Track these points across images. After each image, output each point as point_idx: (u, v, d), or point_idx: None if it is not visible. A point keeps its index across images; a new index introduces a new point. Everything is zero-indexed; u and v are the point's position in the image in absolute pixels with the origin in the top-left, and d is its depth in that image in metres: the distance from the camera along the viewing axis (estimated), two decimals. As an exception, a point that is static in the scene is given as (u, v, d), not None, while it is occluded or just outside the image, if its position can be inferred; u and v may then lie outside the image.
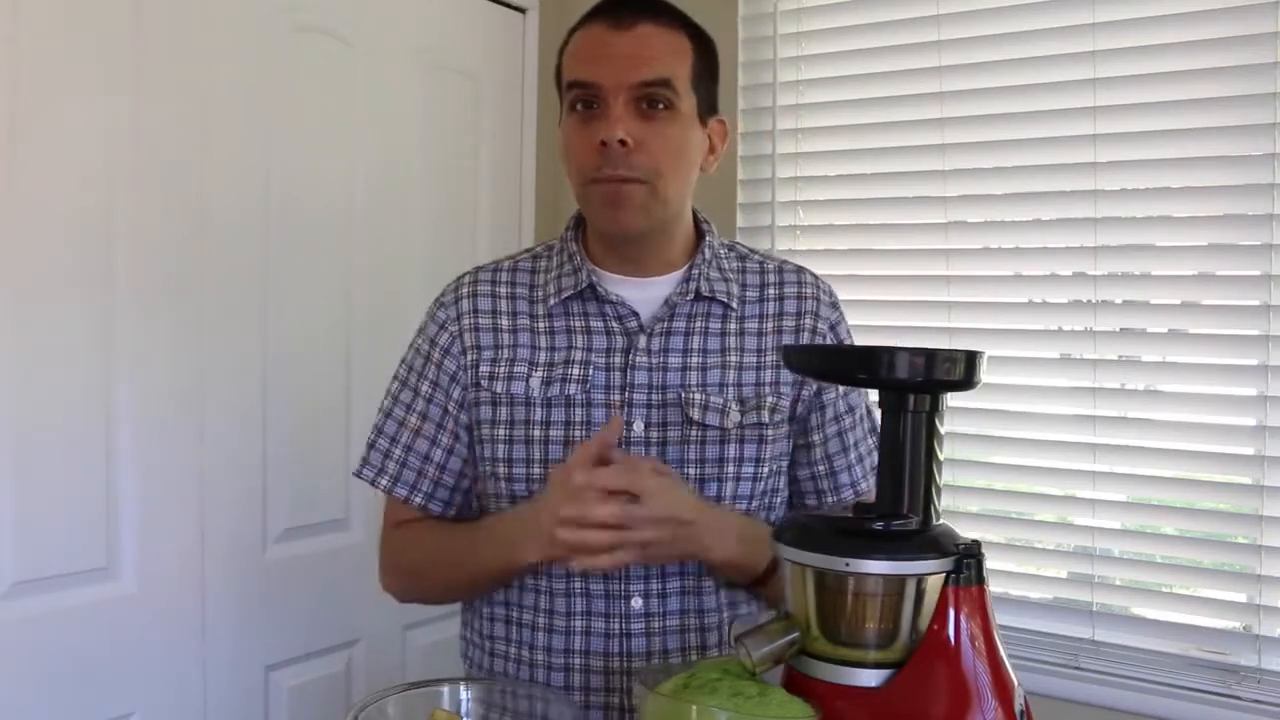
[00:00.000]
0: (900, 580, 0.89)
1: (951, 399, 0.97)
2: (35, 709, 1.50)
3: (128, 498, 1.60)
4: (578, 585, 1.20)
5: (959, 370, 0.91)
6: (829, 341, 1.29)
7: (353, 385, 1.96)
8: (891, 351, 0.90)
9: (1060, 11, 1.88)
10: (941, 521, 0.95)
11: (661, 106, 1.15)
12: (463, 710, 1.00)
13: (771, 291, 1.28)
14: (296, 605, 1.87)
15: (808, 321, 1.27)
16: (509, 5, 2.28)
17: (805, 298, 1.28)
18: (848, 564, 0.89)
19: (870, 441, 1.33)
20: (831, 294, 1.32)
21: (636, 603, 1.20)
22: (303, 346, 1.87)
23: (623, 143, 1.13)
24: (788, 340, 1.26)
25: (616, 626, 1.20)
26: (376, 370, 1.99)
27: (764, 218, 2.18)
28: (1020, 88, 1.92)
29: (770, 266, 1.30)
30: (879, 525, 0.92)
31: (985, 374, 0.93)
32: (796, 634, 0.92)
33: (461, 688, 1.02)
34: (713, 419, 1.21)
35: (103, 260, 1.56)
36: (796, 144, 2.16)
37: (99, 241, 1.56)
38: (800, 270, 1.31)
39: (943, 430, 0.95)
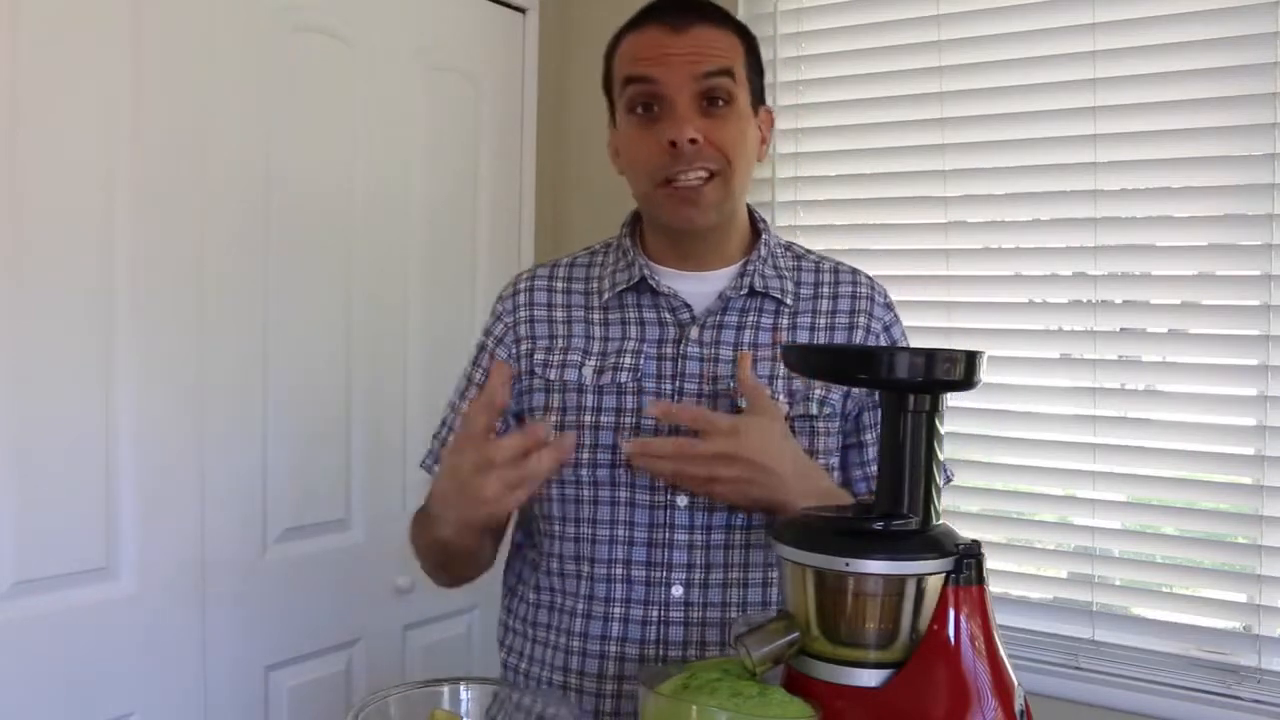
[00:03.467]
0: (900, 580, 0.89)
1: (951, 399, 0.97)
2: (35, 709, 1.50)
3: (128, 498, 1.60)
4: (619, 571, 1.22)
5: (959, 370, 0.91)
6: (882, 341, 1.30)
7: (353, 385, 1.96)
8: (891, 351, 0.90)
9: (1060, 11, 1.88)
10: (941, 521, 0.95)
11: (722, 102, 1.18)
12: (463, 710, 1.00)
13: (826, 290, 1.29)
14: (296, 605, 1.87)
15: (861, 320, 1.28)
16: (509, 5, 2.28)
17: (859, 297, 1.29)
18: (848, 564, 0.89)
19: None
20: (886, 295, 1.33)
21: (677, 590, 1.20)
22: (303, 346, 1.87)
23: (692, 140, 1.15)
24: (840, 338, 1.27)
25: (655, 614, 1.21)
26: (376, 370, 2.01)
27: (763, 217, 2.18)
28: (1020, 88, 1.92)
29: (826, 266, 1.32)
30: (879, 525, 0.92)
31: (985, 374, 0.93)
32: (796, 634, 0.92)
33: (461, 688, 1.02)
34: None
35: (103, 260, 1.56)
36: (796, 144, 2.16)
37: (99, 241, 1.56)
38: (855, 271, 1.33)
39: (943, 430, 0.95)
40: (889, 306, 1.32)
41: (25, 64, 1.46)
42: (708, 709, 0.88)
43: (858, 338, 1.27)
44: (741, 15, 2.17)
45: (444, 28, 2.13)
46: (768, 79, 2.12)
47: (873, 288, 1.31)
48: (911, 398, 0.92)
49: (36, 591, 1.50)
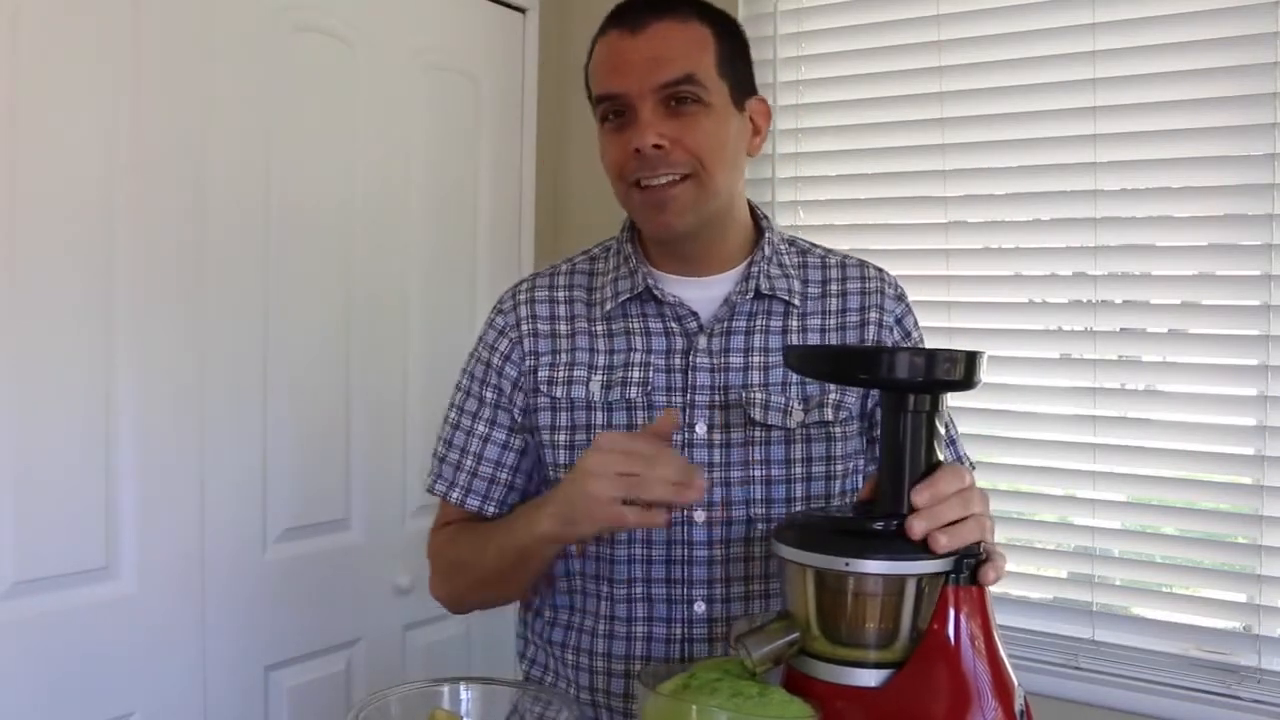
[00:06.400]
0: (900, 580, 0.89)
1: (951, 399, 0.98)
2: (35, 709, 1.50)
3: (128, 498, 1.60)
4: (639, 590, 1.19)
5: (959, 370, 0.91)
6: (895, 335, 1.26)
7: (352, 385, 1.96)
8: (891, 351, 0.90)
9: (1060, 11, 1.88)
10: (941, 521, 0.95)
11: (690, 102, 1.13)
12: (463, 710, 1.00)
13: (834, 287, 1.25)
14: (296, 605, 1.87)
15: (872, 315, 1.24)
16: (509, 5, 2.28)
17: (869, 292, 1.25)
18: (848, 564, 0.89)
19: (946, 432, 1.30)
20: (897, 287, 1.28)
21: (700, 607, 1.18)
22: (303, 346, 1.87)
23: (657, 146, 1.11)
24: (852, 336, 1.23)
25: (679, 632, 1.18)
26: (376, 370, 2.01)
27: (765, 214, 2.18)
28: (1020, 88, 1.92)
29: (832, 261, 1.27)
30: (879, 525, 0.92)
31: (985, 374, 0.93)
32: (796, 634, 0.92)
33: (461, 688, 1.02)
34: (775, 419, 1.18)
35: (103, 260, 1.56)
36: (796, 144, 2.16)
37: (99, 241, 1.56)
38: (863, 264, 1.28)
39: (943, 430, 0.95)
40: (900, 298, 1.28)
41: (25, 64, 1.46)
42: (708, 709, 0.88)
43: (870, 333, 1.24)
44: (741, 15, 2.17)
45: (444, 28, 2.13)
46: (767, 79, 2.16)
47: (883, 279, 1.27)
48: (911, 398, 0.92)
49: (36, 591, 1.50)
